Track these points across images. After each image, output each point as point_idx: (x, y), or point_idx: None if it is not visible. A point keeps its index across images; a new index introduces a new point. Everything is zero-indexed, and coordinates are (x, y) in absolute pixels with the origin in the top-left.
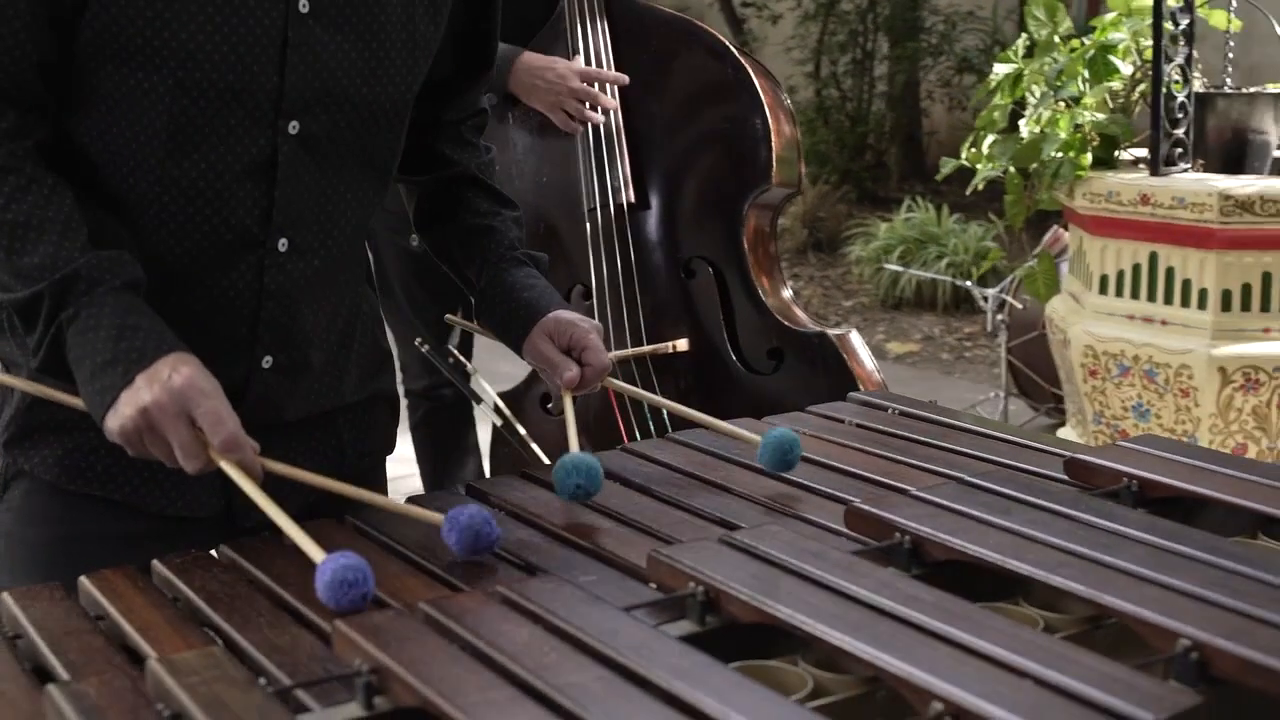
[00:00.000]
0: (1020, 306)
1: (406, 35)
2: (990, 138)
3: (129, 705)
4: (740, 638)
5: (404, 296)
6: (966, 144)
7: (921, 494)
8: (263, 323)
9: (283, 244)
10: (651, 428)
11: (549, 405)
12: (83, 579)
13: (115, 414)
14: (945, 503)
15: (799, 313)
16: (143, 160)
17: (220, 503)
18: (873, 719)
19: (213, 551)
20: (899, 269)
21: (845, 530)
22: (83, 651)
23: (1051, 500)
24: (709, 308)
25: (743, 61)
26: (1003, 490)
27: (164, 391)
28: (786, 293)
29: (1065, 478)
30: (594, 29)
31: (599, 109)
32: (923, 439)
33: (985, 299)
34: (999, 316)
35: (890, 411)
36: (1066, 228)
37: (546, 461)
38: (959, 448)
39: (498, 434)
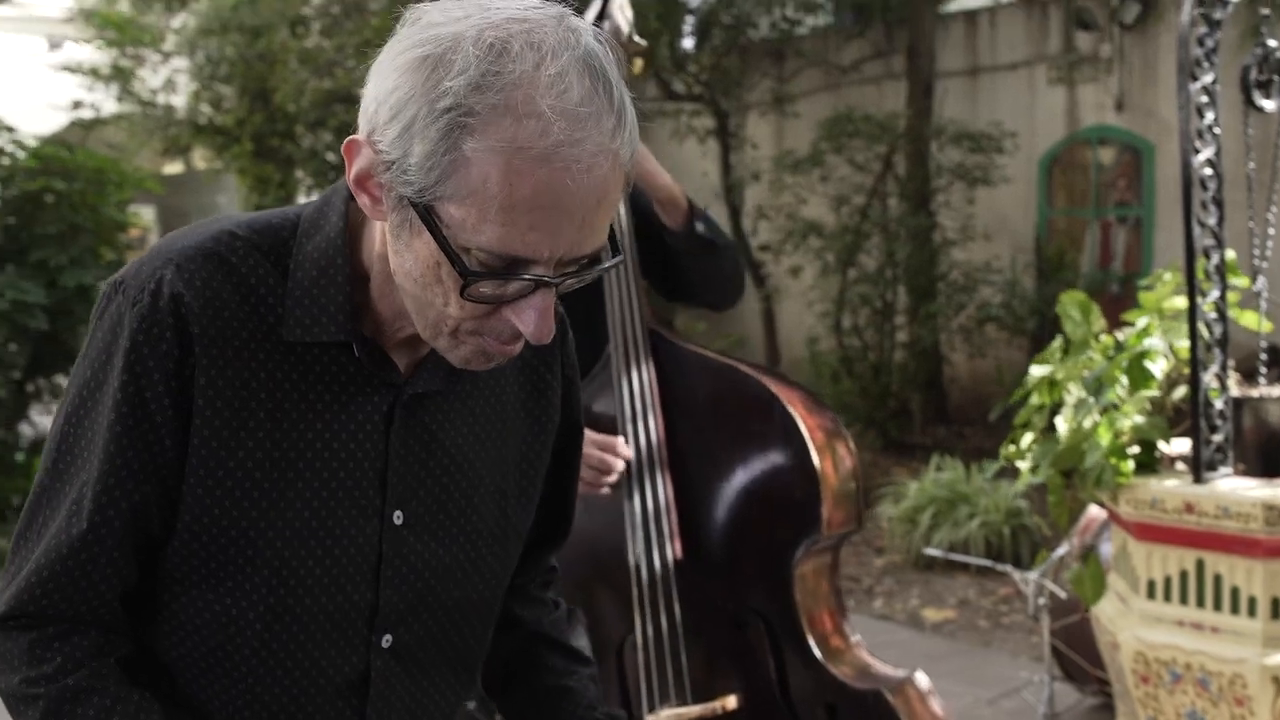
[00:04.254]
0: (1063, 595)
1: (499, 529)
2: (1028, 436)
3: None
4: None
5: None
6: (1005, 442)
7: None
8: None
9: None
10: None
11: None
12: None
13: None
14: None
15: (862, 657)
16: (230, 684)
17: None
18: None
19: None
20: (936, 553)
21: None
22: None
23: None
24: (760, 662)
25: (790, 406)
26: None
27: None
28: (852, 636)
29: None
30: (639, 373)
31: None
32: None
33: (1026, 583)
34: (1040, 600)
35: None
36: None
37: None
38: None
39: None
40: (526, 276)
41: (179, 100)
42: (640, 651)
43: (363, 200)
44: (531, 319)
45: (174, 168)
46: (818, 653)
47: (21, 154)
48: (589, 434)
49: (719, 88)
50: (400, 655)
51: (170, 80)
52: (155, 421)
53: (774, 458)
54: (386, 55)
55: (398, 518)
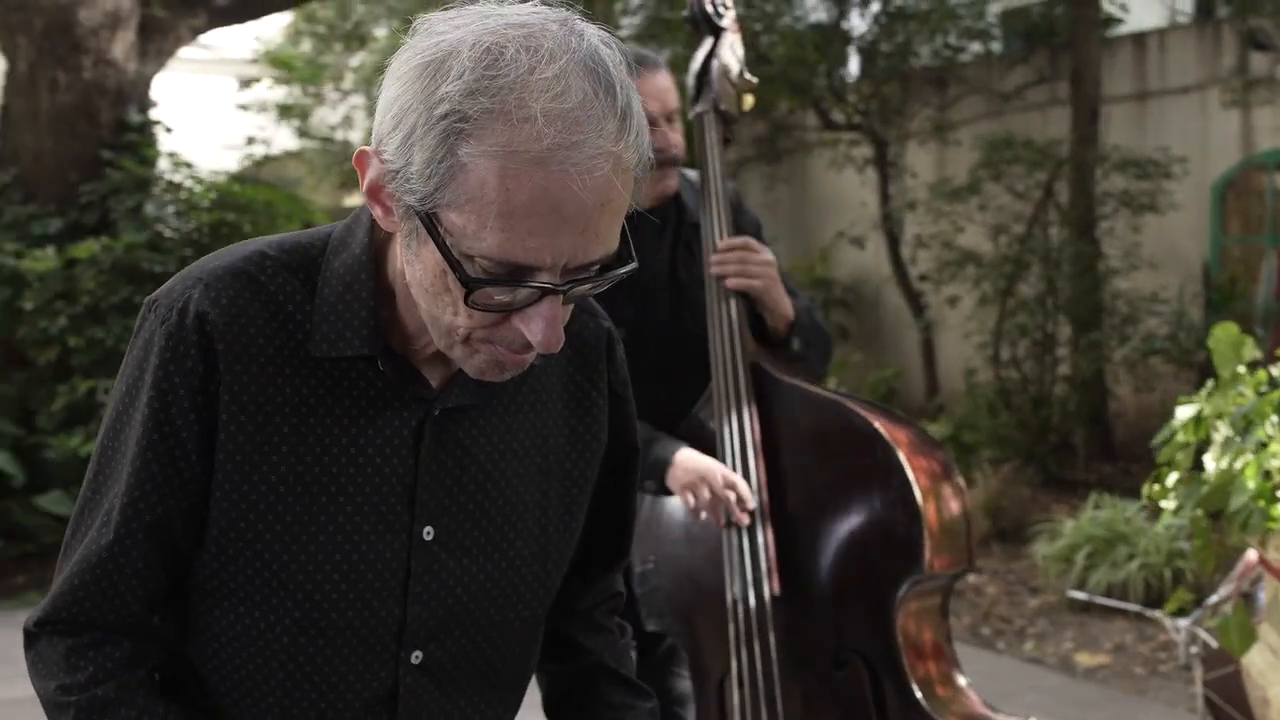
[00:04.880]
0: (1214, 645)
1: (539, 547)
2: (1173, 475)
3: None
4: None
5: None
6: (1149, 481)
7: None
8: None
9: None
10: None
11: None
12: None
13: None
14: None
15: (972, 706)
16: (259, 696)
17: None
18: None
19: None
20: (1080, 596)
21: None
22: None
23: None
24: (860, 704)
25: (894, 442)
26: None
27: None
28: (959, 679)
29: None
30: (740, 415)
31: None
32: None
33: (1177, 630)
34: (1192, 649)
35: None
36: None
37: None
38: None
39: None
40: (531, 284)
41: (355, 136)
42: (737, 689)
43: (376, 212)
44: (539, 327)
45: (356, 200)
46: (921, 696)
47: (199, 188)
48: (718, 468)
49: (878, 116)
50: (432, 672)
51: (348, 117)
52: (181, 437)
53: (876, 494)
54: (393, 65)
55: (427, 533)
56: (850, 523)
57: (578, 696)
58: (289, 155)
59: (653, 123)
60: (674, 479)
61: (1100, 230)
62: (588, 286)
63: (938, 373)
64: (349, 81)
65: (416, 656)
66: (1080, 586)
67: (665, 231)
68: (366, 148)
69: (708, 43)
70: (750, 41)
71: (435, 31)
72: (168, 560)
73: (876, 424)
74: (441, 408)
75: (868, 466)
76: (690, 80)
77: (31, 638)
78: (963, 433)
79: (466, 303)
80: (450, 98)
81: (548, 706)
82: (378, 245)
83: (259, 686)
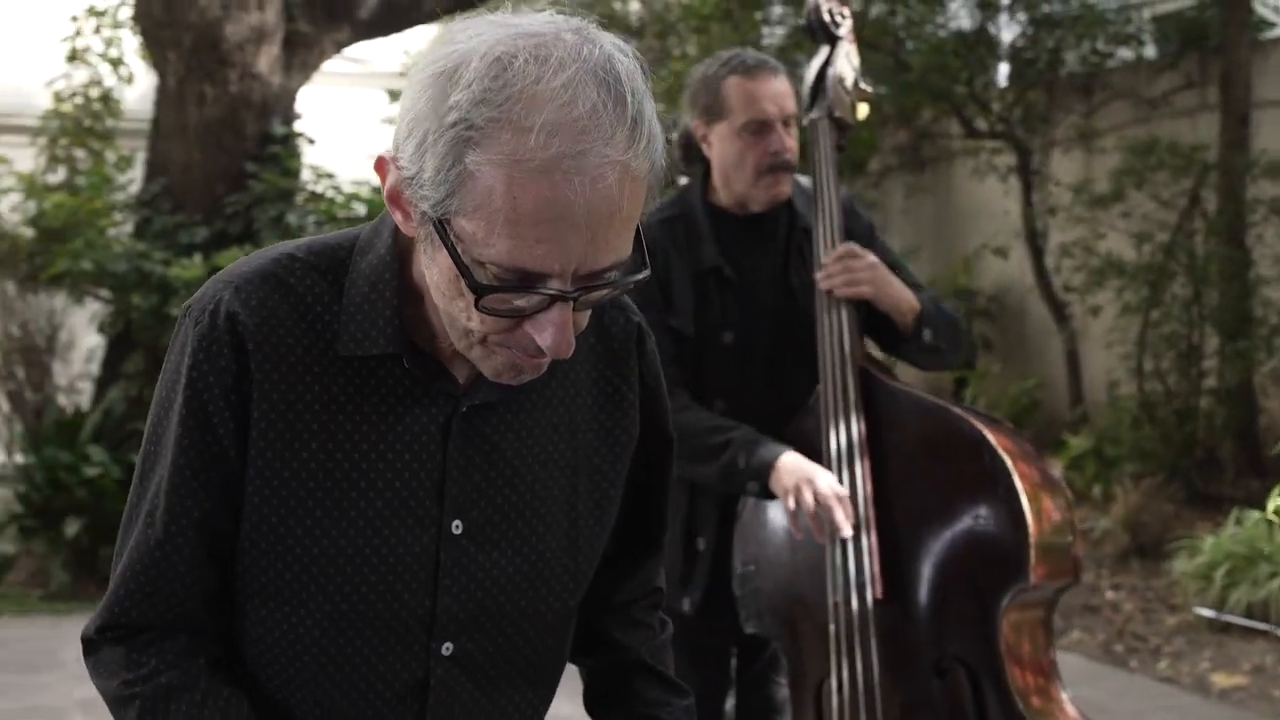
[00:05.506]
0: None
1: (569, 540)
2: None
3: None
4: None
5: None
6: (1273, 495)
7: None
8: None
9: None
10: None
11: None
12: None
13: None
14: None
15: (1070, 717)
16: (296, 687)
17: None
18: None
19: None
20: (1208, 614)
21: None
22: None
23: None
24: (960, 713)
25: (1001, 450)
26: None
27: None
28: (1060, 693)
29: None
30: (847, 422)
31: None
32: None
33: None
34: None
35: None
36: None
37: None
38: None
39: None
40: (541, 291)
41: None
42: (836, 694)
43: (396, 216)
44: (550, 334)
45: None
46: (1022, 709)
47: (340, 198)
48: (836, 483)
49: (1022, 124)
50: (464, 664)
51: None
52: (219, 434)
53: (982, 502)
54: (412, 73)
55: (456, 527)
56: (955, 530)
57: (614, 692)
58: None
59: (769, 127)
60: (777, 482)
61: (1249, 238)
62: (600, 293)
63: (1082, 384)
64: None
65: (447, 648)
66: (1219, 605)
67: (777, 236)
68: (384, 154)
69: (824, 51)
70: (892, 49)
71: (452, 41)
72: (216, 557)
73: (984, 431)
74: (469, 404)
75: (975, 473)
76: (805, 88)
77: (92, 645)
78: (1105, 446)
79: (477, 308)
80: (459, 106)
81: (587, 702)
82: (402, 246)
83: (295, 679)
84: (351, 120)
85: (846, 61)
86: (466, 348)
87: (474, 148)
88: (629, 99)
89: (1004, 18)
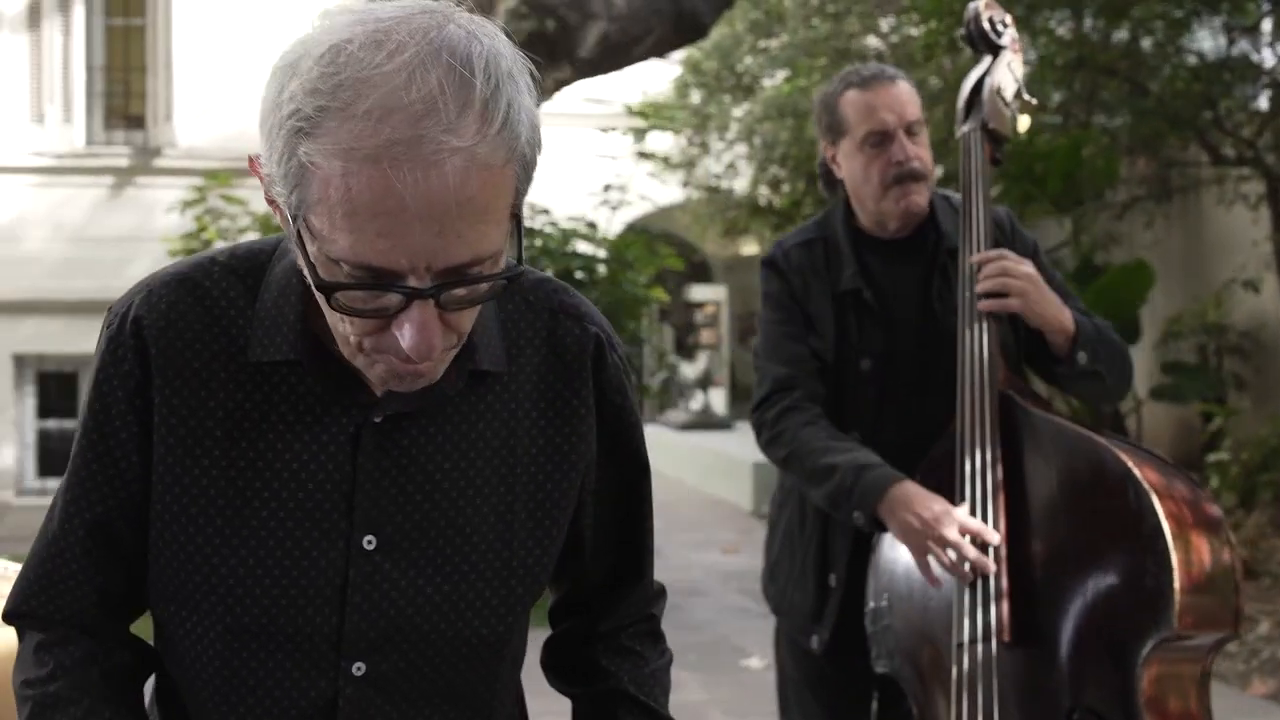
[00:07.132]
0: None
1: (501, 563)
2: None
3: None
4: None
5: None
6: None
7: None
8: None
9: None
10: None
11: None
12: None
13: None
14: None
15: None
16: (205, 697)
17: None
18: None
19: None
20: None
21: None
22: None
23: None
24: None
25: (1147, 485)
26: None
27: None
28: None
29: None
30: (984, 452)
31: (972, 566)
32: None
33: None
34: None
35: None
36: None
37: None
38: None
39: None
40: (396, 288)
41: (740, 184)
42: None
43: (276, 218)
44: (409, 333)
45: (748, 248)
46: None
47: (556, 234)
48: (960, 514)
49: (1273, 150)
50: (378, 685)
51: (732, 165)
52: (120, 438)
53: (1125, 540)
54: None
55: (369, 542)
56: (1093, 570)
57: None
58: (673, 206)
59: (889, 137)
60: (890, 514)
61: None
62: (463, 291)
63: None
64: (733, 130)
65: (359, 668)
66: None
67: (919, 257)
68: (253, 155)
69: (984, 61)
70: (1129, 74)
71: (302, 33)
72: (116, 560)
73: (1131, 465)
74: (382, 414)
75: (1117, 510)
76: (960, 100)
77: (16, 630)
78: None
79: (331, 307)
80: (295, 97)
81: None
82: None
83: (202, 690)
84: (570, 157)
85: (1008, 72)
86: (351, 355)
87: (305, 138)
88: (478, 81)
89: (1263, 39)
